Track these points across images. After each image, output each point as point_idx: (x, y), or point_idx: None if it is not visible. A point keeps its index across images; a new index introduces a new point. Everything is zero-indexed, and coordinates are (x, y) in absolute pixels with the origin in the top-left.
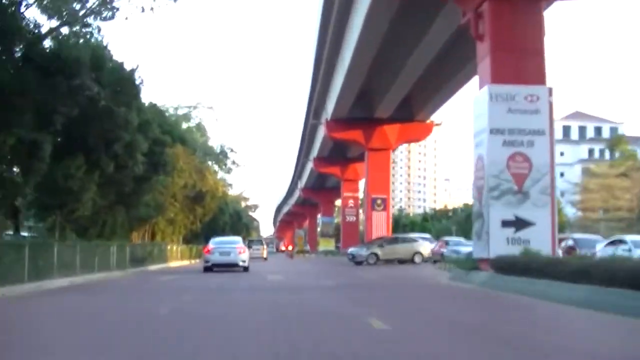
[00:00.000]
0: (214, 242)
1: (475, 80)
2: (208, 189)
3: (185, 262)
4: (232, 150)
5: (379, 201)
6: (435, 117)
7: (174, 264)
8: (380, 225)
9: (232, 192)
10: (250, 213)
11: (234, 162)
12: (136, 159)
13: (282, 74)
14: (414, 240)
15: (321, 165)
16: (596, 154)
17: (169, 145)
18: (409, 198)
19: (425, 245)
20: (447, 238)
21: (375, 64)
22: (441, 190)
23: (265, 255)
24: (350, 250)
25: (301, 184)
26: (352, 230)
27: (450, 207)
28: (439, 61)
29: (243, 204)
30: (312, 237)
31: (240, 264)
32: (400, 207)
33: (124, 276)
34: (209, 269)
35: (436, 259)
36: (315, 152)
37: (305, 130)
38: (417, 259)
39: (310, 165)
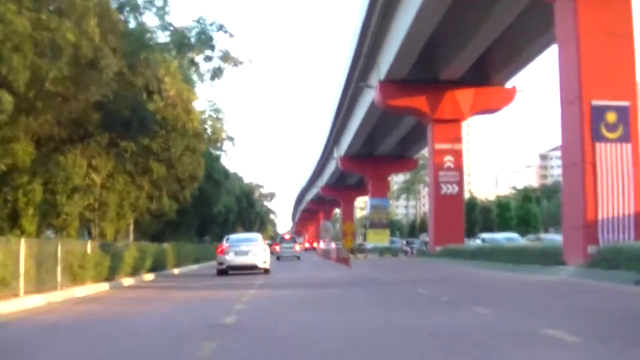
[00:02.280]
0: (228, 241)
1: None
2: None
3: (151, 277)
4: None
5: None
6: (514, 82)
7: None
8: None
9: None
10: (266, 203)
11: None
12: None
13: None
14: None
15: (394, 92)
16: None
17: None
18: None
19: None
20: None
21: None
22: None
23: (298, 253)
24: None
25: (338, 151)
26: (451, 211)
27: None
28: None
29: (256, 192)
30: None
31: (261, 265)
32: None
33: None
34: (223, 272)
35: None
36: (357, 118)
37: (345, 97)
38: None
39: (353, 124)
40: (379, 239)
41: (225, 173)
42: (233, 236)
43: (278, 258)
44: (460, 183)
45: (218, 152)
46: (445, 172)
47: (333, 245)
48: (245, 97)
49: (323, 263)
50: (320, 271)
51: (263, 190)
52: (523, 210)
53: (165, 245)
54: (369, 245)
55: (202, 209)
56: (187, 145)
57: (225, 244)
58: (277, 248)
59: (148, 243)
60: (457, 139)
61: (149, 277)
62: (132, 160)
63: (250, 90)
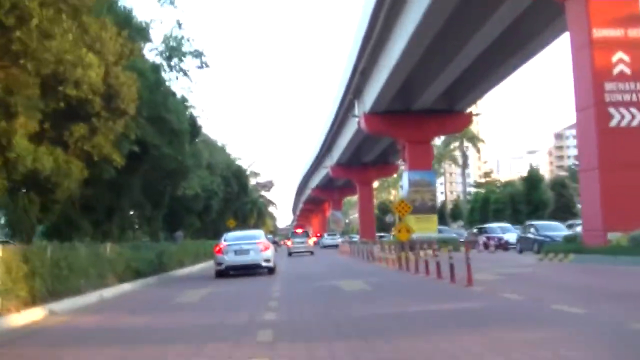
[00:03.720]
0: (227, 239)
1: None
2: None
3: None
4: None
5: None
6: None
7: None
8: None
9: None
10: (264, 193)
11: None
12: None
13: None
14: None
15: None
16: None
17: None
18: None
19: None
20: None
21: None
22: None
23: (312, 248)
24: None
25: (361, 107)
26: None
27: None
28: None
29: (253, 181)
30: (366, 218)
31: (264, 264)
32: None
33: None
34: (222, 273)
35: None
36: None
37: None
38: None
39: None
40: (423, 227)
41: (194, 124)
42: (231, 234)
43: (290, 254)
44: None
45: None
46: (617, 85)
47: (339, 239)
48: (240, 83)
49: (374, 270)
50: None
51: (260, 179)
52: None
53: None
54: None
55: (152, 185)
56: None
57: (223, 243)
58: (289, 243)
59: None
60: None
61: None
62: None
63: (246, 77)
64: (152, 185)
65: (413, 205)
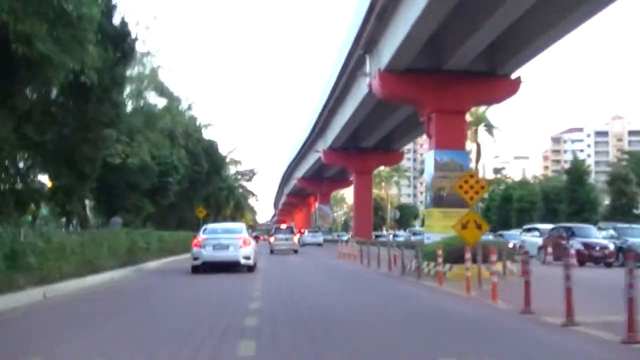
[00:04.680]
0: (206, 231)
1: None
2: None
3: None
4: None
5: None
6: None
7: None
8: None
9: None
10: (245, 183)
11: None
12: None
13: None
14: None
15: None
16: None
17: None
18: None
19: None
20: None
21: None
22: None
23: (296, 246)
24: None
25: (374, 63)
26: None
27: None
28: None
29: (233, 169)
30: (362, 214)
31: (243, 261)
32: None
33: None
34: (198, 268)
35: None
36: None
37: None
38: None
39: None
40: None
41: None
42: (211, 226)
43: (272, 251)
44: None
45: None
46: None
47: (320, 237)
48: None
49: (450, 304)
50: None
51: (241, 168)
52: None
53: None
54: (431, 235)
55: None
56: None
57: (201, 236)
58: (272, 239)
59: None
60: None
61: None
62: None
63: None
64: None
65: (440, 196)
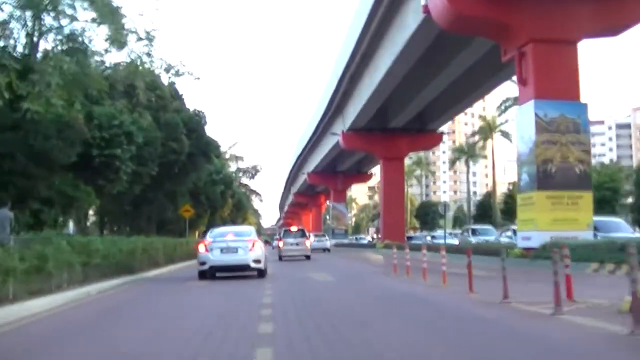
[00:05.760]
0: (212, 235)
1: None
2: None
3: None
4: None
5: None
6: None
7: None
8: None
9: None
10: (248, 182)
11: None
12: None
13: None
14: None
15: None
16: None
17: None
18: None
19: None
20: None
21: None
22: None
23: (308, 252)
24: None
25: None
26: None
27: None
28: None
29: (234, 166)
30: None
31: (253, 265)
32: None
33: None
34: (206, 274)
35: None
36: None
37: None
38: None
39: None
40: (566, 217)
41: None
42: (217, 229)
43: (280, 258)
44: None
45: None
46: None
47: (327, 242)
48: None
49: None
50: None
51: (242, 164)
52: None
53: None
54: (533, 235)
55: None
56: None
57: (208, 239)
58: (281, 244)
59: None
60: None
61: None
62: None
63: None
64: None
65: (546, 171)
